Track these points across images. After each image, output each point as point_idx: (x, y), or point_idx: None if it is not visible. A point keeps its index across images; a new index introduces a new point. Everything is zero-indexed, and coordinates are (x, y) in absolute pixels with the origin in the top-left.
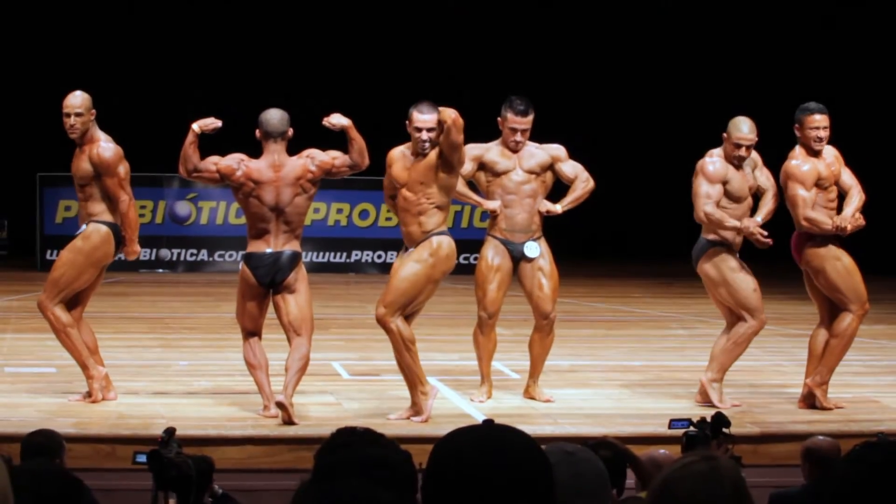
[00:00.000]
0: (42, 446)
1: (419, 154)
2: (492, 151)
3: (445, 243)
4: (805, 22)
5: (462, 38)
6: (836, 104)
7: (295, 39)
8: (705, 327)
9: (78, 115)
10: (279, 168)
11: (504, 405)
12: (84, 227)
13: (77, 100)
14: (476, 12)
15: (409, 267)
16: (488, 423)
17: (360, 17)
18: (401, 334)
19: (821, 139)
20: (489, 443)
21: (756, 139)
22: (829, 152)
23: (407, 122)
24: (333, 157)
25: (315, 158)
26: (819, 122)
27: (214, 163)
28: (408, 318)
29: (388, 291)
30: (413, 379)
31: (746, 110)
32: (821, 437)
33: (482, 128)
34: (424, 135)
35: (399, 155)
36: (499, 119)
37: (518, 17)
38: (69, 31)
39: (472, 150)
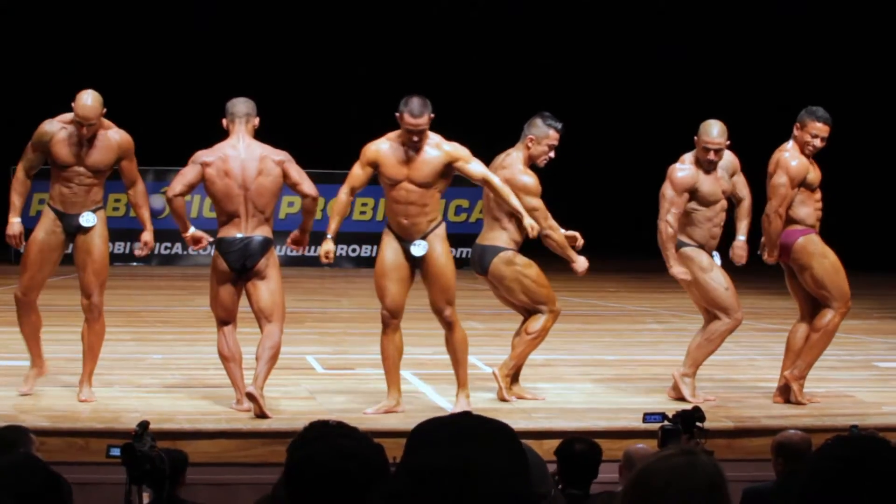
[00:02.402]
0: (9, 441)
1: (410, 148)
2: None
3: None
4: (791, 22)
5: (436, 37)
6: (813, 102)
7: (281, 34)
8: (680, 322)
9: (91, 125)
10: (244, 149)
11: (477, 398)
12: (92, 214)
13: (93, 108)
14: (459, 13)
15: (445, 262)
16: (466, 414)
17: (352, 16)
18: (463, 331)
19: (815, 147)
20: (466, 432)
21: (726, 143)
22: None
23: (397, 115)
24: (296, 181)
25: (285, 160)
26: (821, 132)
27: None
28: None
29: (445, 289)
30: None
31: (724, 110)
32: (792, 431)
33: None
34: (416, 137)
35: (388, 150)
36: (531, 137)
37: (499, 18)
38: (43, 23)
39: (537, 181)
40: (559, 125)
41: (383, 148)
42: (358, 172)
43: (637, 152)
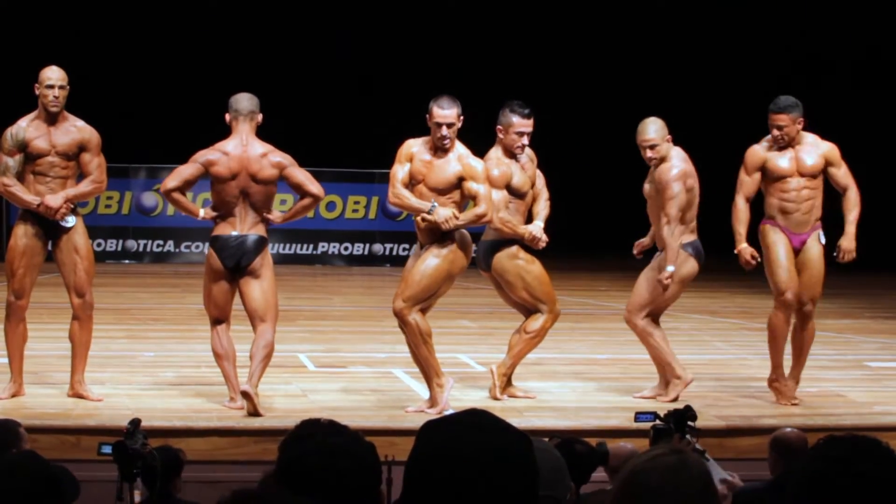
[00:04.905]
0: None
1: (438, 149)
2: (516, 174)
3: (464, 239)
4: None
5: (427, 38)
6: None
7: (269, 30)
8: (673, 321)
9: (62, 87)
10: (246, 148)
11: (468, 397)
12: (72, 216)
13: (60, 73)
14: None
15: (428, 262)
16: (473, 411)
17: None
18: (418, 328)
19: (774, 137)
20: (478, 429)
21: (652, 140)
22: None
23: (427, 115)
24: (301, 182)
25: (287, 165)
26: (773, 121)
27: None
28: (422, 311)
29: (407, 286)
30: (429, 371)
31: (712, 108)
32: (788, 429)
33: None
34: (444, 130)
35: (418, 149)
36: (499, 127)
37: (483, 15)
38: (33, 19)
39: (503, 172)
40: (525, 111)
41: (415, 148)
42: (400, 171)
43: (629, 151)
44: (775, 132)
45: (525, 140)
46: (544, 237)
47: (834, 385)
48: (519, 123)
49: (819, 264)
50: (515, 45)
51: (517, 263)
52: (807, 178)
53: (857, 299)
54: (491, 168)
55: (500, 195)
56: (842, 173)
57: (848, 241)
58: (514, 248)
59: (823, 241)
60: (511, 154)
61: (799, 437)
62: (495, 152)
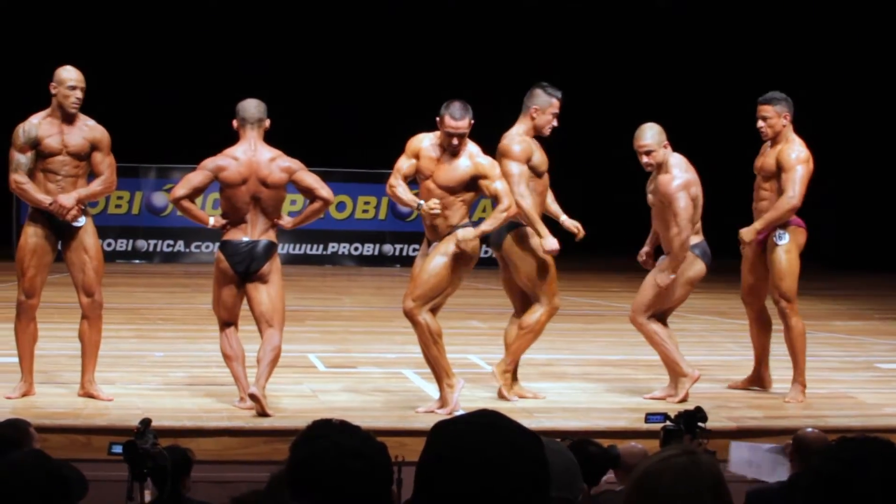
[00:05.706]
0: (10, 438)
1: (447, 151)
2: (535, 152)
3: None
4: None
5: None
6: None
7: (278, 29)
8: (682, 321)
9: (83, 88)
10: (255, 152)
11: (478, 397)
12: (82, 215)
13: (80, 74)
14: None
15: (436, 261)
16: (484, 411)
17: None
18: (428, 328)
19: (759, 128)
20: (489, 429)
21: (648, 145)
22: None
23: (438, 119)
24: (312, 186)
25: (296, 170)
26: (758, 111)
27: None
28: (433, 311)
29: (416, 285)
30: (440, 372)
31: (719, 109)
32: (809, 429)
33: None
34: (455, 140)
35: (428, 146)
36: (535, 108)
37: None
38: (44, 17)
39: (524, 148)
40: (559, 93)
41: (425, 143)
42: (404, 163)
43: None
44: (760, 123)
45: (556, 123)
46: (580, 227)
47: (844, 387)
48: (556, 105)
49: (778, 263)
50: (520, 44)
51: (526, 248)
52: (761, 178)
53: (867, 301)
54: (512, 143)
55: (520, 169)
56: (784, 178)
57: (746, 231)
58: (530, 231)
59: (780, 241)
60: (532, 135)
61: (818, 438)
62: (518, 129)
